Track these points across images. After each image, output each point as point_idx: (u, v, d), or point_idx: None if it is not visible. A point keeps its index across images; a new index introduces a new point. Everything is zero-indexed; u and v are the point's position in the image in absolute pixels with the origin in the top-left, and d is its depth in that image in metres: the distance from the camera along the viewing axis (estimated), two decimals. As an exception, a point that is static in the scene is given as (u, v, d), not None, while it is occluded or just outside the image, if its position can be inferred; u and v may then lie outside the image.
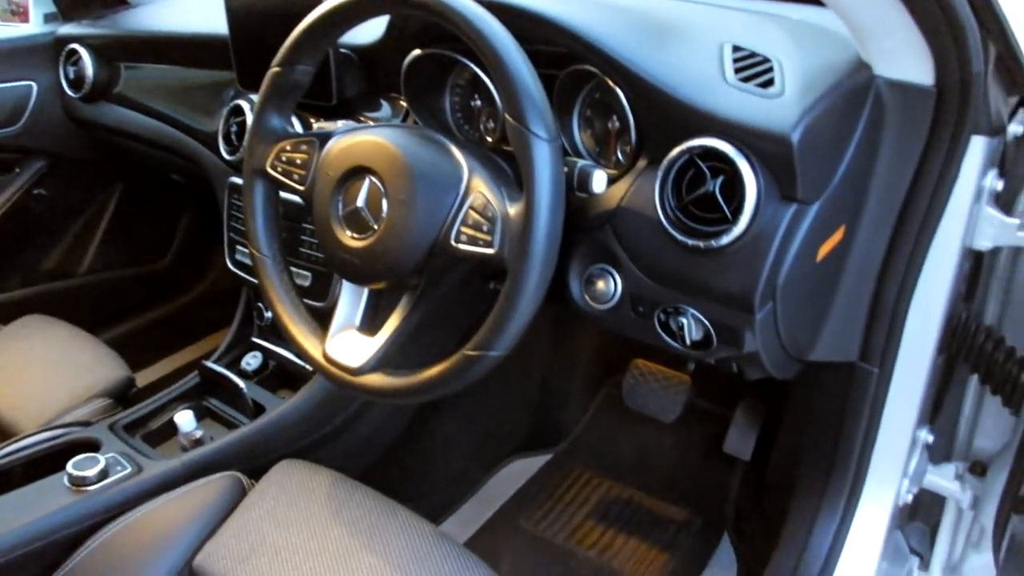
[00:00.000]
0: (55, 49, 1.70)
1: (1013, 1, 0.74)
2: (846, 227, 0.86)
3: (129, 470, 1.06)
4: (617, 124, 0.92)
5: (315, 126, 1.19)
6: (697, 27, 0.89)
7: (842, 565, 1.07)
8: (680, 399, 1.49)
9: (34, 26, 1.73)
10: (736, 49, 0.83)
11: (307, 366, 1.29)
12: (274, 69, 0.86)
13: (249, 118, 1.27)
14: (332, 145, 0.84)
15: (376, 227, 0.79)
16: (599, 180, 0.80)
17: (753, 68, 0.80)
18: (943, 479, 1.11)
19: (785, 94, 0.76)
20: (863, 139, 0.81)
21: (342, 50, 1.12)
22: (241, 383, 1.26)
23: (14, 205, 1.75)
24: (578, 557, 1.46)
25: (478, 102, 1.05)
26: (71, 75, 1.67)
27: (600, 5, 0.90)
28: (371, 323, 0.87)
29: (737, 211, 0.74)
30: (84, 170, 1.86)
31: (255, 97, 1.28)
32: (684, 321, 0.84)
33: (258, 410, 1.24)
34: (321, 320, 0.90)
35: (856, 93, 0.79)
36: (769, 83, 0.78)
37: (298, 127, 1.20)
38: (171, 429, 1.20)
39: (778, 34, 0.89)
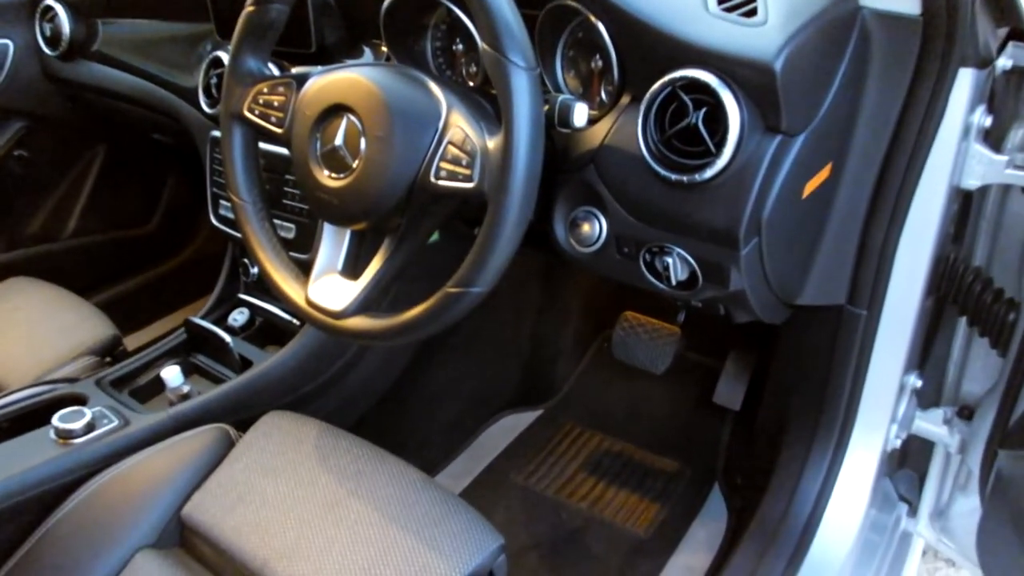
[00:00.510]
0: (30, 6, 1.66)
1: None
2: (833, 165, 0.85)
3: (116, 423, 1.05)
4: (600, 63, 0.90)
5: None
6: None
7: (830, 511, 1.08)
8: (670, 351, 1.49)
9: (9, -17, 1.69)
10: None
11: (294, 320, 1.29)
12: (248, 8, 0.84)
13: (229, 70, 1.25)
14: (309, 85, 0.83)
15: (354, 165, 0.78)
16: (580, 113, 0.78)
17: None
18: (931, 424, 1.11)
19: (768, 23, 0.75)
20: (849, 72, 0.80)
21: (320, -5, 1.10)
22: (228, 338, 1.26)
23: (-5, 167, 1.73)
24: (569, 509, 1.47)
25: (460, 46, 1.03)
26: (47, 32, 1.63)
27: None
28: (353, 267, 0.86)
29: (720, 143, 0.73)
30: (65, 131, 1.83)
31: (234, 47, 1.26)
32: (669, 261, 0.84)
33: (245, 365, 1.24)
34: (305, 271, 0.89)
35: (841, 23, 0.78)
36: (752, 12, 0.77)
37: (276, 73, 1.18)
38: (158, 385, 1.19)
39: None
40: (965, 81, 0.81)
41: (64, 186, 1.90)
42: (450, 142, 0.75)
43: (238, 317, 1.35)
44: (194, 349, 1.31)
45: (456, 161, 0.74)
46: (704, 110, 0.74)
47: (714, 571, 1.35)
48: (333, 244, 0.87)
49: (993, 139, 0.91)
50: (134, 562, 0.89)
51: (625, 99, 0.83)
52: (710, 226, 0.78)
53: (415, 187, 0.76)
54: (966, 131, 0.85)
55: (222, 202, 1.34)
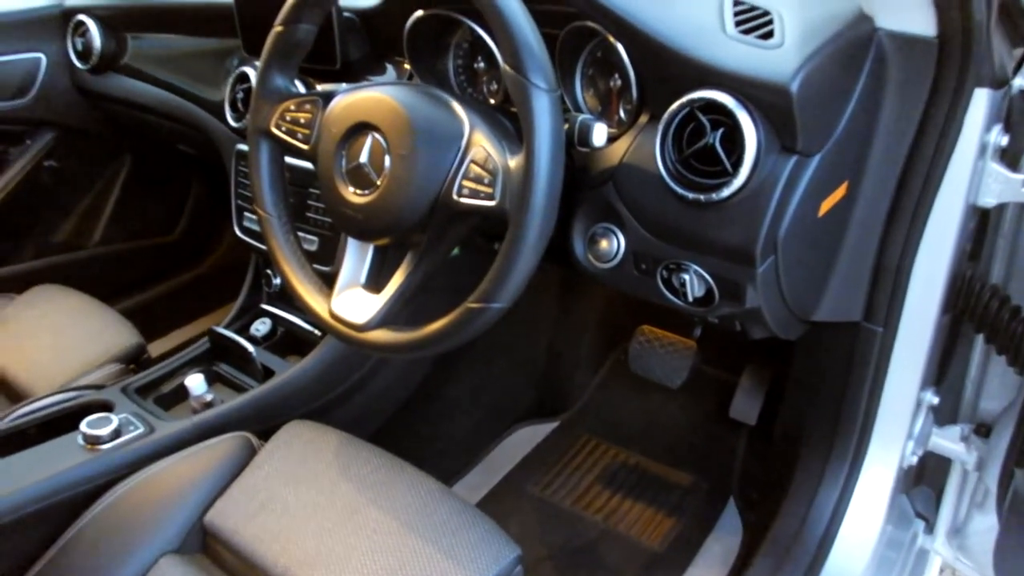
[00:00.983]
0: (63, 21, 1.71)
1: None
2: (849, 183, 0.86)
3: (141, 430, 1.08)
4: (619, 82, 0.92)
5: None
6: None
7: (846, 527, 1.07)
8: (686, 365, 1.50)
9: (42, -2, 1.74)
10: (736, 2, 0.83)
11: (315, 331, 1.31)
12: (277, 28, 0.87)
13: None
14: (335, 103, 0.85)
15: (379, 182, 0.80)
16: (600, 133, 0.80)
17: (753, 20, 0.80)
18: (948, 441, 1.11)
19: (784, 45, 0.76)
20: (865, 92, 0.81)
21: (345, 14, 1.12)
22: (251, 348, 1.28)
23: (25, 176, 1.77)
24: (585, 521, 1.48)
25: (481, 64, 1.05)
26: (79, 47, 1.68)
27: None
28: (376, 281, 0.88)
29: (737, 163, 0.75)
30: (93, 142, 1.88)
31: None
32: (686, 277, 0.85)
33: (267, 374, 1.26)
34: (328, 283, 0.91)
35: (857, 45, 0.79)
36: (769, 35, 0.78)
37: (302, 90, 1.21)
38: (182, 393, 1.22)
39: None
40: (981, 101, 0.82)
41: (90, 196, 1.95)
42: (472, 161, 0.76)
43: (260, 327, 1.38)
44: (217, 358, 1.33)
45: (478, 179, 0.75)
46: (721, 130, 0.75)
47: (729, 586, 1.35)
48: (356, 258, 0.88)
49: (1010, 158, 0.91)
50: (158, 566, 0.90)
51: (643, 118, 0.85)
52: (727, 244, 0.79)
53: (437, 204, 0.78)
54: (982, 150, 0.86)
55: (246, 214, 1.37)
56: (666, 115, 0.78)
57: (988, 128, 0.85)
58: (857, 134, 0.83)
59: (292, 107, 0.89)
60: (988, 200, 0.91)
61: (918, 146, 0.85)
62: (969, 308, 0.98)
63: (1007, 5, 0.78)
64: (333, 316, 0.86)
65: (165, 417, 1.14)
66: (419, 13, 1.00)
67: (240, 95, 1.33)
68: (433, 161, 0.77)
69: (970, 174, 0.86)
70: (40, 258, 1.87)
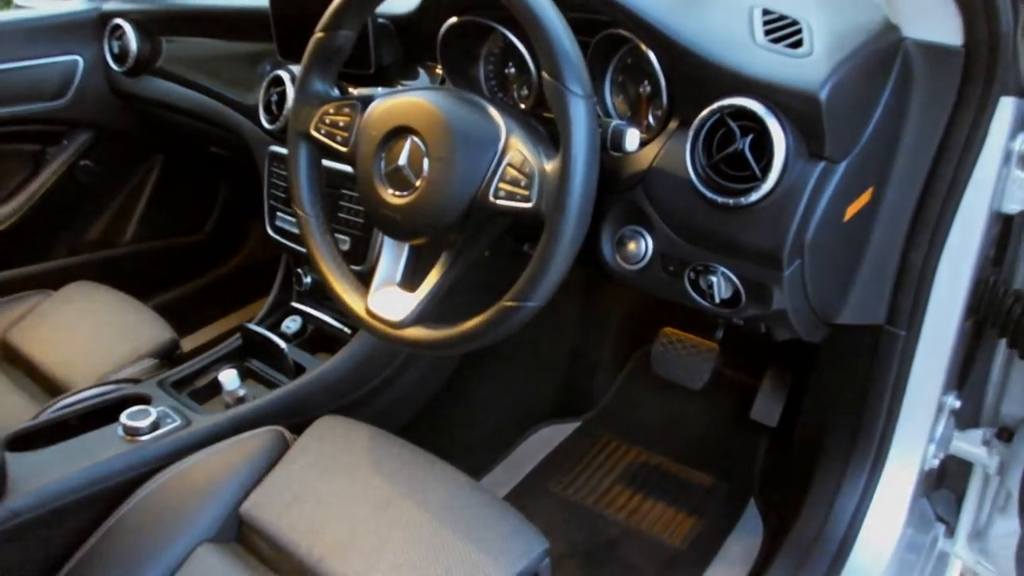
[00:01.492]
0: (99, 24, 1.75)
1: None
2: (874, 188, 0.87)
3: (179, 423, 1.11)
4: (648, 88, 0.94)
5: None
6: None
7: (866, 530, 1.08)
8: (708, 367, 1.51)
9: (79, 2, 1.78)
10: (766, 12, 0.85)
11: (344, 329, 1.34)
12: (318, 34, 0.89)
13: (289, 88, 1.31)
14: (374, 107, 0.87)
15: (417, 184, 0.82)
16: (632, 138, 0.82)
17: (782, 30, 0.82)
18: (970, 445, 1.11)
19: (813, 54, 0.78)
20: (891, 100, 0.82)
21: (380, 20, 1.15)
22: (283, 344, 1.31)
23: (62, 176, 1.82)
24: (606, 520, 1.49)
25: (512, 70, 1.07)
26: (115, 49, 1.72)
27: None
28: (411, 279, 0.90)
29: (766, 168, 0.76)
30: (127, 142, 1.92)
31: (294, 68, 1.32)
32: (714, 279, 0.87)
33: (298, 370, 1.29)
34: (361, 282, 0.93)
35: (884, 54, 0.81)
36: (798, 44, 0.80)
37: (340, 95, 1.24)
38: (215, 387, 1.25)
39: None
40: (1006, 109, 0.83)
41: (123, 194, 1.99)
42: (509, 164, 0.78)
43: (291, 324, 1.41)
44: (248, 354, 1.36)
45: (515, 182, 0.78)
46: (751, 136, 0.77)
47: (749, 586, 1.36)
48: (392, 257, 0.91)
49: None
50: (196, 555, 0.93)
51: (673, 124, 0.86)
52: (754, 247, 0.80)
53: (474, 205, 0.80)
54: (1007, 157, 0.87)
55: (279, 213, 1.40)
56: (696, 121, 0.80)
57: (1013, 136, 0.86)
58: (883, 141, 0.84)
59: (331, 111, 0.91)
60: (1012, 207, 0.92)
61: (943, 153, 0.86)
62: (992, 313, 0.99)
63: (1033, 15, 0.79)
64: (370, 314, 0.89)
65: (200, 411, 1.18)
66: (453, 19, 1.03)
67: (274, 98, 1.35)
68: (470, 164, 0.80)
69: (994, 181, 0.87)
70: (75, 255, 1.91)
